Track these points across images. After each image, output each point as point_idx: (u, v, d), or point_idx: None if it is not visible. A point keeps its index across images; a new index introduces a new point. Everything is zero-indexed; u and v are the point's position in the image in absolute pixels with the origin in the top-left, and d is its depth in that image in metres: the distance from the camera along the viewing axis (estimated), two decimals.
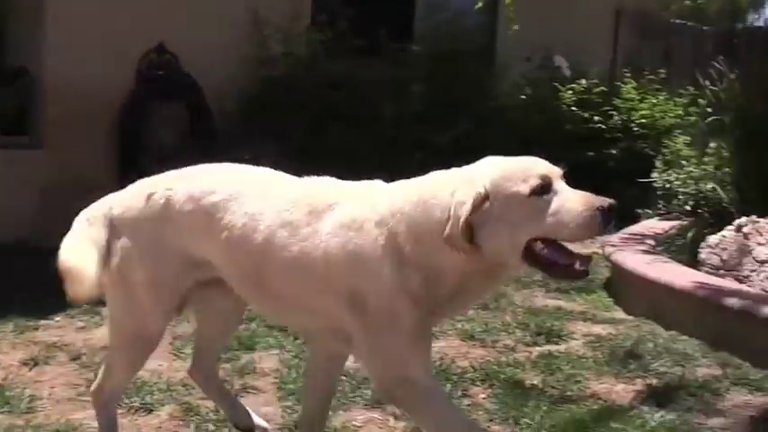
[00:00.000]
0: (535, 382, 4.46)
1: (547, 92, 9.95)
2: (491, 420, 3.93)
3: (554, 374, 4.49)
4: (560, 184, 2.63)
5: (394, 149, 8.19)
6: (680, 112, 10.02)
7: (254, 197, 3.00)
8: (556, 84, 9.91)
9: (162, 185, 3.17)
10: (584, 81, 10.00)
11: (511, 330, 5.36)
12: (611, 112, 9.85)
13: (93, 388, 3.43)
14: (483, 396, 4.24)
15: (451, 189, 2.65)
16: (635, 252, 6.40)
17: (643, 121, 9.93)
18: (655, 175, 7.93)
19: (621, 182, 8.31)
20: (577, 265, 2.64)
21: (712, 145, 7.81)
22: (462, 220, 2.56)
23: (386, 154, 8.06)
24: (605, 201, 2.57)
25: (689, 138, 9.00)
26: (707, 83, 7.86)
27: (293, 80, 8.89)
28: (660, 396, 4.24)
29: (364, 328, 2.76)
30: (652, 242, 6.77)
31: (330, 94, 8.81)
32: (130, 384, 3.95)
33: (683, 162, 7.72)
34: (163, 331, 3.34)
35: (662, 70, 10.89)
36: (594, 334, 5.28)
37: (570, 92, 9.84)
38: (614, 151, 9.60)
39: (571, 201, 2.58)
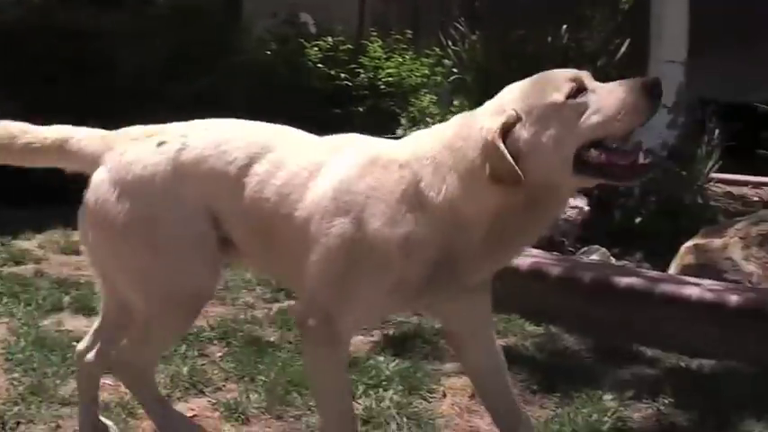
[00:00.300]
0: (272, 339, 4.43)
1: (293, 48, 9.85)
2: (227, 379, 3.85)
3: (292, 330, 4.43)
4: (593, 82, 2.42)
5: (130, 102, 7.83)
6: (426, 71, 10.22)
7: (279, 150, 2.76)
8: (302, 40, 9.83)
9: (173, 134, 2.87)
10: (330, 38, 9.98)
11: (251, 287, 5.34)
12: (357, 70, 9.88)
13: (115, 364, 3.07)
14: (219, 355, 4.16)
15: (480, 125, 2.43)
16: None
17: (389, 79, 10.04)
18: (399, 131, 8.00)
19: None
20: (641, 159, 2.41)
21: (456, 103, 8.02)
22: (502, 148, 2.33)
23: (122, 107, 7.70)
24: (646, 78, 2.38)
25: (435, 96, 9.26)
26: (450, 44, 8.03)
27: (25, 28, 8.30)
28: (397, 345, 4.30)
29: (339, 260, 2.51)
30: None
31: (65, 44, 8.31)
32: None
33: (429, 119, 7.86)
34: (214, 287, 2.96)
35: (409, 31, 11.06)
36: None
37: (316, 48, 9.80)
38: (361, 108, 9.65)
39: (611, 91, 2.37)
